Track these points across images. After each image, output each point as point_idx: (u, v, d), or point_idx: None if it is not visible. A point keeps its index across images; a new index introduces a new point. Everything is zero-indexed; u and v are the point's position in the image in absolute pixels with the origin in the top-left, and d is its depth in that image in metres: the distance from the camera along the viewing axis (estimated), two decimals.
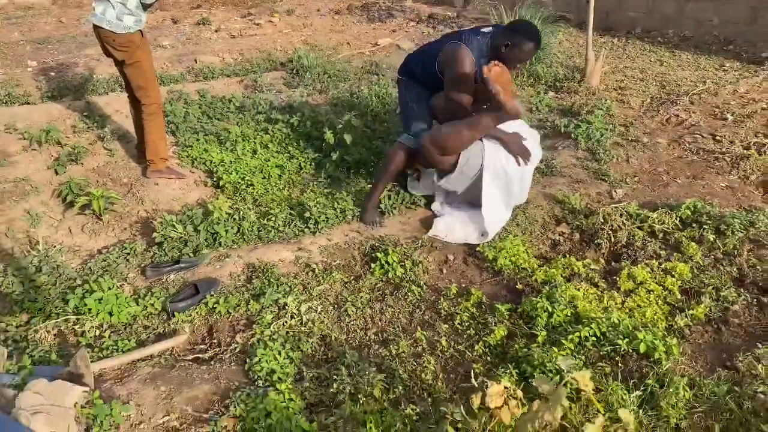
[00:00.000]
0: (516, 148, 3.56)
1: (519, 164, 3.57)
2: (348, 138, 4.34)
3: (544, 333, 2.74)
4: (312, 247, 3.51)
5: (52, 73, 6.50)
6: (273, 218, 3.73)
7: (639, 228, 3.56)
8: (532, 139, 3.72)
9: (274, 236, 3.63)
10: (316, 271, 3.29)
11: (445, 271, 3.39)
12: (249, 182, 4.20)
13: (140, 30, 4.01)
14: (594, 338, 2.65)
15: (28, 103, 5.60)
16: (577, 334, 2.67)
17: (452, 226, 3.63)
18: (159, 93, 4.27)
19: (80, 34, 8.66)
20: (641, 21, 8.22)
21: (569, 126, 4.78)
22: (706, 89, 5.60)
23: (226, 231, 3.52)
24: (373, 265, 3.34)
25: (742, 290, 3.03)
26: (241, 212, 3.68)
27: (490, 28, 3.70)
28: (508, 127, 3.61)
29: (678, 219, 3.57)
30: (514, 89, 3.50)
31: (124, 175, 4.40)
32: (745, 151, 4.36)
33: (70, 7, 10.92)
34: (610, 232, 3.55)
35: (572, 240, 3.63)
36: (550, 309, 2.86)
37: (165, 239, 3.43)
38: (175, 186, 4.27)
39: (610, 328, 2.69)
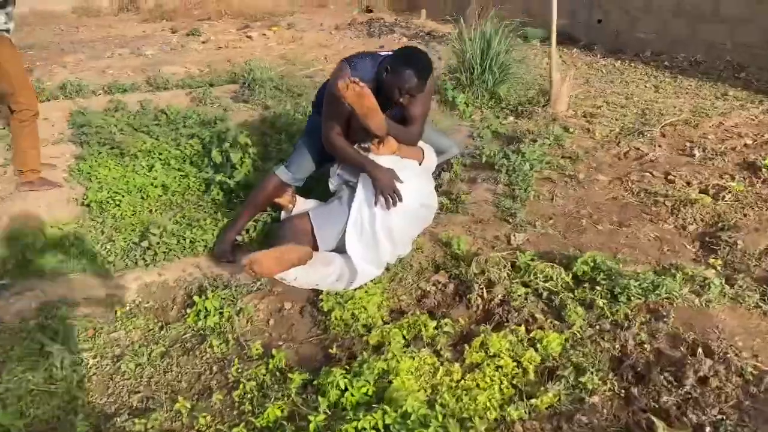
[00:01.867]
0: (383, 187, 3.02)
1: (387, 207, 3.03)
2: (235, 157, 3.88)
3: (321, 417, 2.17)
4: (134, 283, 3.06)
5: None
6: (111, 246, 3.30)
7: (524, 284, 2.93)
8: (418, 180, 3.18)
9: (107, 267, 3.19)
10: (118, 314, 2.82)
11: (272, 322, 2.85)
12: (117, 202, 3.79)
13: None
14: None
15: None
16: (355, 424, 2.09)
17: (311, 267, 3.08)
18: (33, 99, 3.95)
19: (77, 42, 8.62)
20: (652, 43, 7.43)
21: (496, 156, 4.15)
22: (686, 120, 4.84)
23: (43, 258, 3.10)
24: (189, 311, 2.85)
25: (612, 376, 2.37)
26: (71, 238, 3.26)
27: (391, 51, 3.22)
28: (397, 164, 3.11)
29: (571, 276, 2.92)
30: (380, 116, 2.97)
31: None
32: (699, 195, 3.63)
33: (89, 15, 10.99)
34: (484, 286, 2.93)
35: (444, 292, 3.03)
36: (343, 384, 2.29)
37: None
38: (42, 202, 3.91)
39: (398, 420, 2.09)
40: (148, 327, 2.78)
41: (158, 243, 3.29)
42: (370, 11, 11.17)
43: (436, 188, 3.86)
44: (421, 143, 3.42)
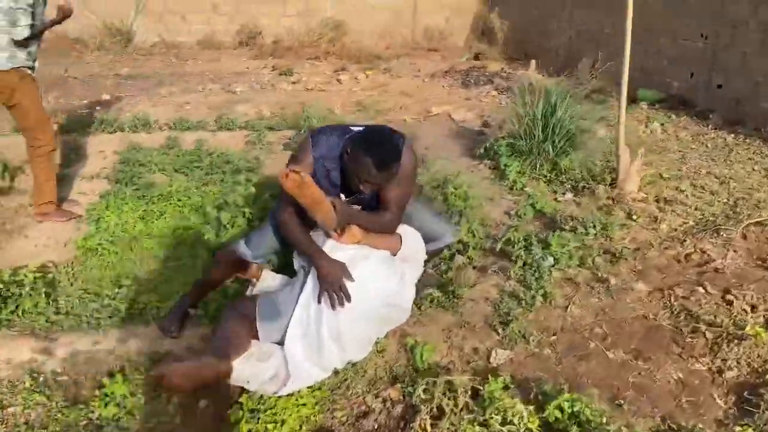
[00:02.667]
0: (328, 283, 2.61)
1: (332, 307, 2.62)
2: (225, 217, 3.63)
3: None
4: (62, 349, 2.84)
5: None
6: (65, 301, 3.13)
7: (480, 423, 2.35)
8: (385, 275, 2.74)
9: (47, 324, 3.02)
10: (26, 385, 2.60)
11: (179, 420, 2.50)
12: (104, 250, 3.66)
13: (18, 68, 3.73)
14: None
15: None
16: None
17: (246, 360, 2.70)
18: (50, 136, 3.97)
19: (179, 74, 8.98)
20: None
21: (517, 244, 3.55)
22: None
23: None
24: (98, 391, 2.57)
25: None
26: (31, 286, 3.13)
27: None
28: (358, 255, 2.72)
29: (538, 422, 2.30)
30: (325, 207, 2.56)
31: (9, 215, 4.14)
32: (757, 329, 2.82)
33: (210, 48, 11.49)
34: (429, 417, 2.39)
35: (390, 414, 2.52)
36: None
37: None
38: (42, 241, 3.88)
39: None
40: (49, 407, 2.53)
41: (108, 304, 3.07)
42: (477, 58, 10.74)
43: (441, 274, 3.36)
44: (403, 228, 2.96)
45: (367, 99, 7.35)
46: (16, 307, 3.05)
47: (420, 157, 3.21)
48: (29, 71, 3.83)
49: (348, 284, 2.65)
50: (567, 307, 3.10)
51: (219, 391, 2.60)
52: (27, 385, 2.61)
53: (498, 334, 2.91)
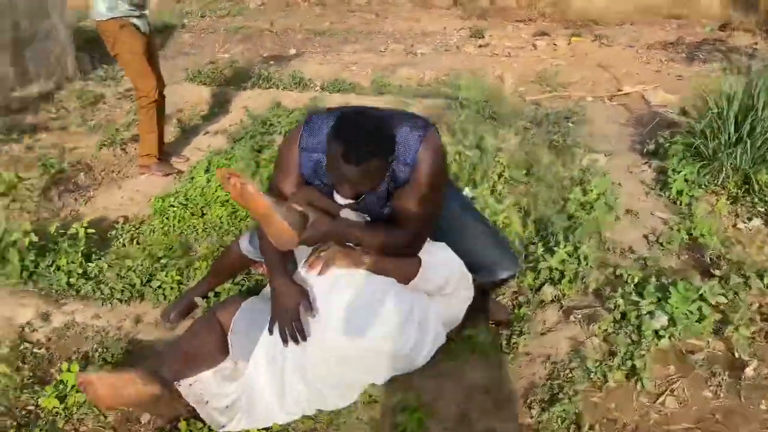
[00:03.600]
0: (280, 313, 2.08)
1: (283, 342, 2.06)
2: None
3: None
4: (57, 318, 2.67)
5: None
6: (93, 266, 2.98)
7: None
8: (372, 311, 2.09)
9: (73, 288, 2.90)
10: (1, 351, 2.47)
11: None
12: (173, 212, 3.47)
13: (119, 19, 3.64)
14: None
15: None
16: None
17: (210, 378, 2.27)
18: (150, 88, 3.86)
19: (371, 32, 8.75)
20: None
21: (624, 287, 2.57)
22: None
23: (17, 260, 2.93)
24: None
25: None
26: (64, 245, 3.03)
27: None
28: (340, 280, 2.11)
29: None
30: (275, 223, 1.95)
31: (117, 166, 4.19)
32: None
33: (422, 7, 11.11)
34: None
35: None
36: None
37: None
38: (129, 194, 3.83)
39: None
40: (5, 383, 2.34)
41: (124, 275, 2.84)
42: (724, 29, 8.79)
43: (515, 307, 2.58)
44: (433, 250, 2.22)
45: (551, 69, 6.32)
46: (53, 262, 2.96)
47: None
48: (134, 21, 3.73)
49: (315, 316, 2.05)
50: (659, 397, 2.12)
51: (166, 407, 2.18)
52: (5, 351, 2.46)
53: (532, 416, 2.07)
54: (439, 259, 2.22)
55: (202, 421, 2.13)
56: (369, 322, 2.05)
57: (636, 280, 2.64)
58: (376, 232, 2.10)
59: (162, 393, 2.06)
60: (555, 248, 2.81)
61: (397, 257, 2.15)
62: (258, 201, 1.89)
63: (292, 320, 2.02)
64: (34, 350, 2.50)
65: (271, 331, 2.08)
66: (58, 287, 2.87)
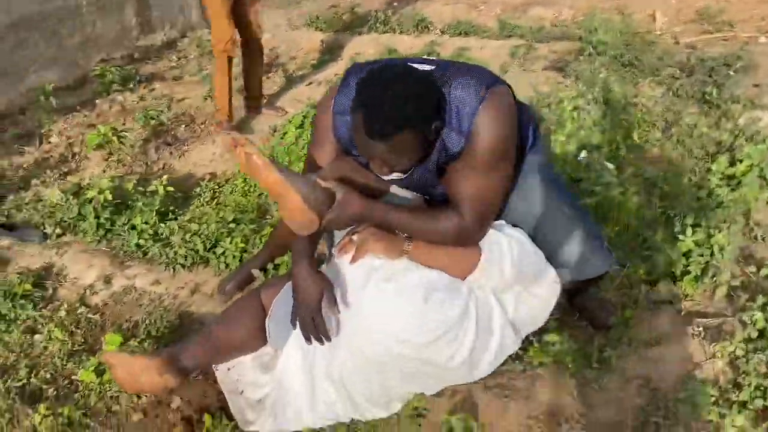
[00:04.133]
0: (299, 309, 1.77)
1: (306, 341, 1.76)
2: None
3: None
4: (119, 282, 2.58)
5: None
6: (166, 226, 2.87)
7: None
8: (412, 310, 1.70)
9: (141, 250, 2.81)
10: (61, 314, 2.42)
11: (137, 418, 2.01)
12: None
13: None
14: None
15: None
16: None
17: (248, 363, 2.04)
18: (223, 34, 3.59)
19: None
20: None
21: (762, 296, 1.95)
22: None
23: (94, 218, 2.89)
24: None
25: None
26: (141, 203, 2.94)
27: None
28: (375, 270, 1.74)
29: None
30: (291, 200, 1.60)
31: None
32: None
33: None
34: None
35: None
36: None
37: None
38: (218, 152, 3.69)
39: None
40: (53, 349, 2.27)
41: (189, 240, 2.69)
42: None
43: (618, 308, 2.11)
44: (502, 240, 1.79)
45: (716, 5, 5.29)
46: (128, 220, 2.89)
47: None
48: None
49: (346, 313, 1.72)
50: None
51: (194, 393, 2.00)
52: (62, 314, 2.41)
53: None
54: (507, 250, 1.78)
55: (229, 415, 1.92)
56: (410, 324, 1.69)
57: None
58: (422, 218, 1.70)
59: (177, 385, 1.86)
60: (681, 234, 2.22)
61: (443, 247, 1.75)
62: (266, 174, 1.56)
63: (312, 317, 1.71)
64: (89, 315, 2.42)
65: (294, 326, 1.79)
66: (127, 248, 2.78)
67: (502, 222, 1.90)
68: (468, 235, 1.71)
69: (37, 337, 2.35)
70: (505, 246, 1.78)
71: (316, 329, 1.71)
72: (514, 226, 1.88)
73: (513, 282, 1.81)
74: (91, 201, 2.89)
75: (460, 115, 1.59)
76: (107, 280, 2.60)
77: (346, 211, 1.63)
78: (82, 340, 2.32)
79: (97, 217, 2.88)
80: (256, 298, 2.04)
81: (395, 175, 1.70)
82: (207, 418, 1.91)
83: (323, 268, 1.88)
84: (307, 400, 1.84)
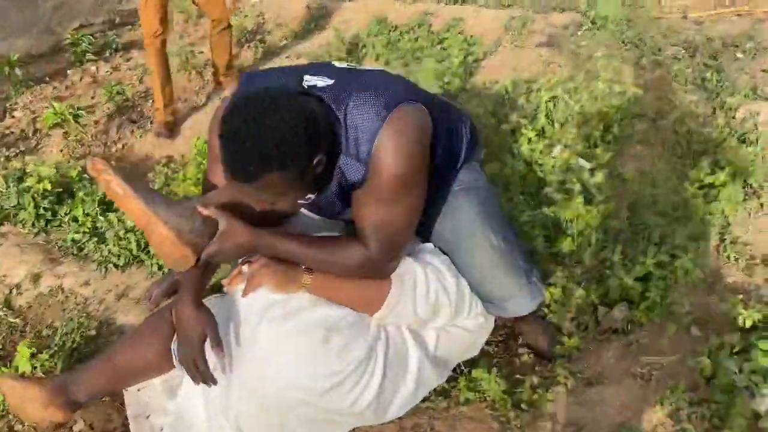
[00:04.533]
0: (180, 347, 1.61)
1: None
2: None
3: None
4: (47, 281, 2.45)
5: None
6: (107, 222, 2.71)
7: None
8: (310, 351, 1.53)
9: (76, 245, 2.67)
10: None
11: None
12: None
13: None
14: None
15: None
16: None
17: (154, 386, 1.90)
18: (149, 28, 3.29)
19: None
20: None
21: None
22: None
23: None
24: None
25: None
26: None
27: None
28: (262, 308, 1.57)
29: None
30: (156, 229, 1.42)
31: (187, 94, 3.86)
32: None
33: None
34: None
35: None
36: None
37: None
38: (192, 129, 3.51)
39: None
40: None
41: (123, 236, 2.54)
42: None
43: (565, 336, 1.92)
44: (418, 271, 1.60)
45: None
46: (70, 210, 2.75)
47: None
48: None
49: (237, 353, 1.56)
50: None
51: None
52: None
53: None
54: (422, 282, 1.59)
55: None
56: (306, 369, 1.52)
57: (753, 322, 1.79)
58: (323, 248, 1.52)
59: (64, 420, 1.73)
60: (640, 255, 2.00)
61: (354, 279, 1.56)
62: (127, 203, 1.38)
63: (194, 358, 1.54)
64: (10, 319, 2.30)
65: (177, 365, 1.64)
66: (62, 243, 2.64)
67: (424, 246, 1.71)
68: (374, 267, 1.52)
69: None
70: (420, 278, 1.59)
71: (198, 372, 1.55)
72: (441, 249, 1.69)
73: (428, 317, 1.63)
74: (29, 190, 2.74)
75: (358, 141, 1.39)
76: (35, 279, 2.46)
77: (228, 242, 1.45)
78: (0, 347, 2.21)
79: (36, 206, 2.74)
80: (165, 315, 1.88)
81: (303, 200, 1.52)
82: None
83: (215, 299, 1.71)
84: None
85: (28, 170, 2.90)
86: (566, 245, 2.19)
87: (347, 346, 1.53)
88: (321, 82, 1.45)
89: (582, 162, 2.63)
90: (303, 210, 1.66)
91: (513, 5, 4.83)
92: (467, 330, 1.73)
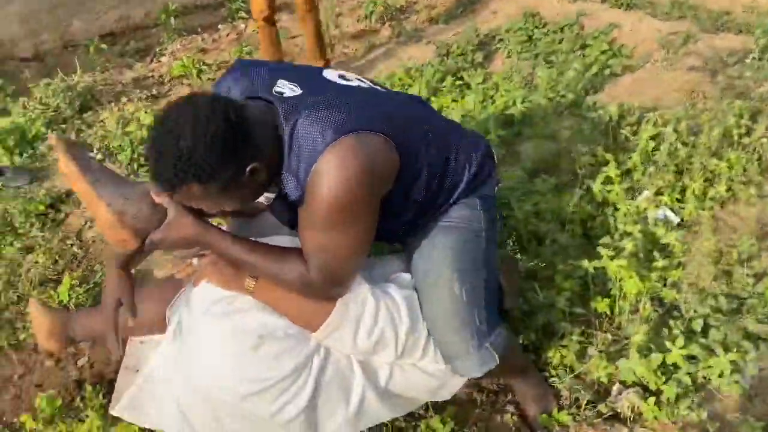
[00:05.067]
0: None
1: None
2: None
3: None
4: None
5: None
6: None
7: None
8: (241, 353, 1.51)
9: None
10: None
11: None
12: None
13: None
14: None
15: None
16: None
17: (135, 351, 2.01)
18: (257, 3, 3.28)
19: None
20: None
21: None
22: None
23: None
24: None
25: None
26: None
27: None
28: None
29: None
30: (98, 209, 1.45)
31: None
32: None
33: None
34: None
35: None
36: None
37: None
38: None
39: None
40: None
41: None
42: None
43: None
44: (366, 297, 1.52)
45: None
46: None
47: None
48: None
49: (180, 338, 1.59)
50: None
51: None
52: (55, 243, 2.57)
53: None
54: (369, 315, 1.51)
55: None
56: (231, 371, 1.51)
57: None
58: (268, 258, 1.48)
59: (58, 352, 1.89)
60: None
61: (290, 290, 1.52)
62: (74, 181, 1.43)
63: (105, 320, 1.56)
64: (75, 249, 2.55)
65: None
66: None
67: (401, 277, 1.62)
68: (313, 290, 1.46)
69: (28, 257, 2.53)
70: (369, 310, 1.51)
71: (111, 337, 1.57)
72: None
73: (368, 351, 1.54)
74: (130, 134, 2.99)
75: (299, 159, 1.33)
76: None
77: (172, 233, 1.45)
78: (60, 271, 2.46)
79: (133, 150, 2.98)
80: (173, 281, 1.97)
81: (263, 198, 1.50)
82: (88, 390, 1.93)
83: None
84: (159, 408, 1.77)
85: (138, 116, 3.16)
86: (601, 306, 1.96)
87: (278, 356, 1.50)
88: (289, 91, 1.39)
89: (669, 214, 2.33)
90: (266, 214, 1.64)
91: (686, 17, 4.30)
92: (427, 373, 1.62)
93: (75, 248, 2.56)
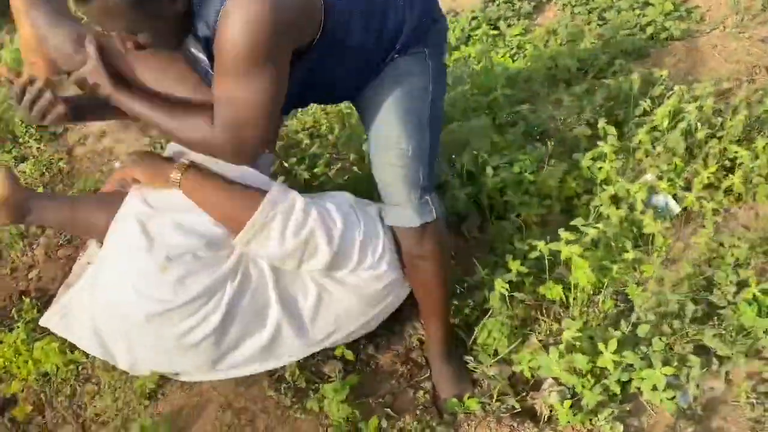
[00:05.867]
0: None
1: None
2: None
3: None
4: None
5: None
6: None
7: None
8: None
9: None
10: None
11: None
12: None
13: None
14: None
15: None
16: None
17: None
18: None
19: None
20: None
21: None
22: None
23: None
24: None
25: None
26: None
27: None
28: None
29: None
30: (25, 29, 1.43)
31: None
32: None
33: None
34: None
35: None
36: None
37: None
38: None
39: None
40: None
41: None
42: None
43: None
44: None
45: None
46: None
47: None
48: None
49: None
50: None
51: None
52: (46, 155, 2.63)
53: None
54: (298, 213, 1.47)
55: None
56: (138, 285, 1.48)
57: None
58: (173, 113, 1.39)
59: (2, 224, 1.85)
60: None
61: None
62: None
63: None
64: (61, 164, 2.60)
65: None
66: None
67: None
68: (213, 143, 1.37)
69: (21, 165, 2.61)
70: (298, 211, 1.48)
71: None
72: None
73: (298, 256, 1.49)
74: None
75: (209, 3, 1.26)
76: (101, 137, 2.72)
77: (86, 78, 1.40)
78: (45, 183, 2.52)
79: None
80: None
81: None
82: (25, 302, 1.96)
83: None
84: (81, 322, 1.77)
85: None
86: (551, 293, 1.78)
87: (183, 279, 1.46)
88: None
89: (671, 202, 2.09)
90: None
91: None
92: (360, 293, 1.55)
93: (62, 163, 2.61)
